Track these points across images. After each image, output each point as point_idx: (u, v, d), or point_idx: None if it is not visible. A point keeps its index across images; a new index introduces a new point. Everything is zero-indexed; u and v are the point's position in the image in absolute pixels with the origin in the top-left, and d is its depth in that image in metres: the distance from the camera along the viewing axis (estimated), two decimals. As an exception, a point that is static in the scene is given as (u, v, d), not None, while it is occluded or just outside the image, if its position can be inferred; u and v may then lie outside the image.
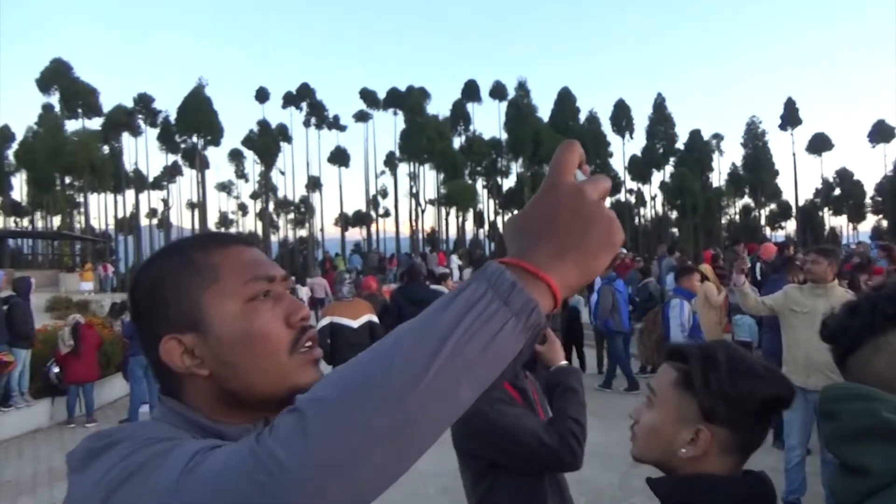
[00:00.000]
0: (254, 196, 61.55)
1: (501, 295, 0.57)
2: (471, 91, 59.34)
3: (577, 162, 0.65)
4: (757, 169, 58.74)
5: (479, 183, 58.80)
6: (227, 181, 62.87)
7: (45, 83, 49.98)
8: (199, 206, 55.52)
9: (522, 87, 56.80)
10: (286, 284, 0.87)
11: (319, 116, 60.82)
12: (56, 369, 8.54)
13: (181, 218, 63.90)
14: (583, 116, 58.51)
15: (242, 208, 64.07)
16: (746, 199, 62.58)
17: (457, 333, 0.56)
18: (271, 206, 61.12)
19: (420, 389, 0.55)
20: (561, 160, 0.64)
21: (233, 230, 64.82)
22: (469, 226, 60.43)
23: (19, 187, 57.14)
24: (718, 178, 62.33)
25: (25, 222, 58.19)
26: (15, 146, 53.58)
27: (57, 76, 49.71)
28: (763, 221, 62.61)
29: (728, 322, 8.44)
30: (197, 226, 56.21)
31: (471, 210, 57.67)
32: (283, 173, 62.19)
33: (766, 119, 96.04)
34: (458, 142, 58.65)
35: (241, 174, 61.81)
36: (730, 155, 64.70)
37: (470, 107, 59.54)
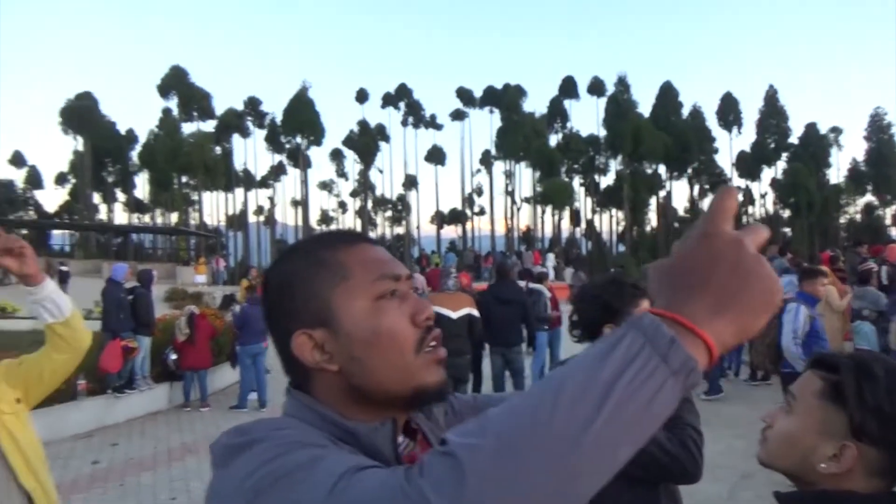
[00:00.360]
0: (353, 194, 63.41)
1: (660, 350, 0.54)
2: (568, 87, 58.38)
3: (734, 208, 0.60)
4: (881, 164, 54.26)
5: (576, 181, 57.80)
6: (329, 180, 65.05)
7: (164, 89, 53.66)
8: (302, 203, 57.84)
9: (622, 83, 55.31)
10: (410, 283, 0.87)
11: (417, 116, 61.78)
12: (174, 356, 9.13)
13: (285, 215, 67.02)
14: (686, 111, 56.26)
15: (342, 206, 66.11)
16: (869, 197, 57.98)
17: (618, 390, 0.53)
18: (370, 204, 62.78)
19: (582, 447, 0.52)
20: (718, 206, 0.60)
21: (333, 227, 67.12)
22: (565, 224, 59.58)
23: (142, 186, 61.74)
24: (837, 174, 58.19)
25: (147, 218, 62.74)
26: (138, 148, 57.91)
27: (175, 82, 53.25)
28: (888, 221, 57.80)
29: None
30: (300, 223, 58.59)
31: (567, 208, 56.81)
32: (381, 172, 63.73)
33: (893, 111, 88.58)
34: (554, 139, 57.93)
35: (341, 173, 63.81)
36: (850, 150, 60.31)
37: (567, 104, 58.62)
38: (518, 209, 59.41)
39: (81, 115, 52.96)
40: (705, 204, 35.67)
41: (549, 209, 56.39)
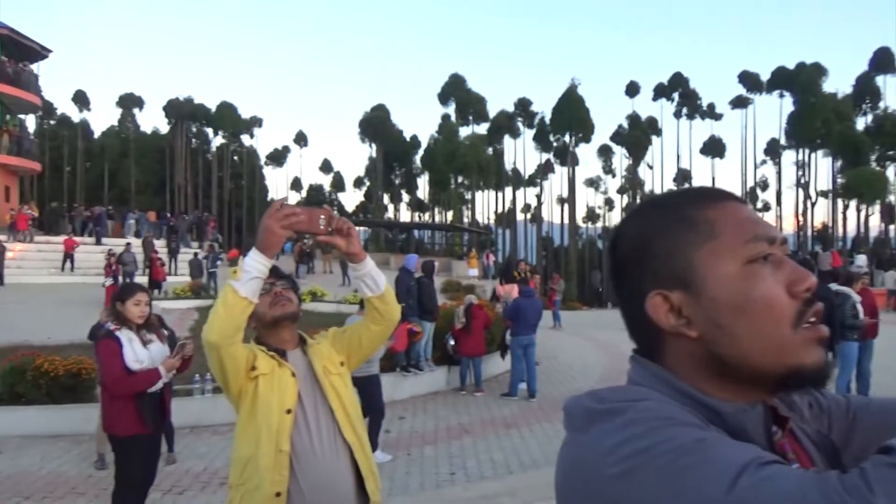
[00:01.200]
0: (621, 191, 61.86)
1: None
2: (882, 61, 49.64)
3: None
4: None
5: (892, 170, 48.99)
6: (595, 176, 64.43)
7: (444, 96, 58.10)
8: (568, 201, 58.12)
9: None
10: (786, 248, 0.74)
11: (692, 106, 58.03)
12: (452, 342, 9.76)
13: (552, 212, 67.94)
14: None
15: (609, 203, 64.93)
16: None
17: None
18: (638, 201, 60.71)
19: None
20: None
21: (598, 225, 66.28)
22: (874, 221, 50.92)
23: (423, 187, 67.69)
24: None
25: (426, 216, 68.60)
26: (420, 152, 63.59)
27: (454, 89, 57.32)
28: None
29: None
30: (566, 220, 58.92)
31: (877, 202, 48.43)
32: (650, 167, 61.19)
33: None
34: (862, 122, 49.83)
35: (608, 169, 62.72)
36: None
37: (880, 80, 49.97)
38: (813, 204, 52.47)
39: (376, 125, 59.84)
40: None
41: (852, 203, 48.76)
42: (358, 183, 69.73)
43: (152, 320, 4.20)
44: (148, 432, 3.97)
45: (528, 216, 64.22)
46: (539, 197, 63.17)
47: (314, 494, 1.98)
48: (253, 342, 2.16)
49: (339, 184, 70.66)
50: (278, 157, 67.48)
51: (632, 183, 59.49)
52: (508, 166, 61.56)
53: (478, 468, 6.43)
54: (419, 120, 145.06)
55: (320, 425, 2.07)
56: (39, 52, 33.94)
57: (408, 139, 63.80)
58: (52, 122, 55.31)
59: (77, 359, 7.83)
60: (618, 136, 58.61)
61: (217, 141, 61.03)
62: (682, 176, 59.54)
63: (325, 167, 70.33)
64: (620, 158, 61.10)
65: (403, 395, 9.18)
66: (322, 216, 1.89)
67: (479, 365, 9.80)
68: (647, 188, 61.80)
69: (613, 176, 63.07)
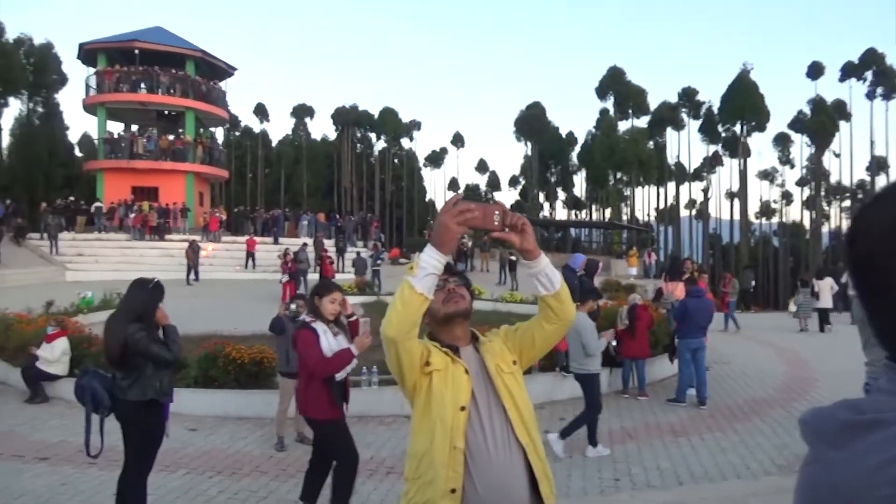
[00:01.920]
0: (800, 183, 56.55)
1: None
2: None
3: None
4: None
5: None
6: (770, 168, 59.51)
7: (602, 90, 56.49)
8: (739, 195, 54.08)
9: None
10: None
11: (888, 85, 51.56)
12: (614, 343, 9.38)
13: (719, 208, 63.58)
14: None
15: (786, 196, 59.61)
16: None
17: None
18: (823, 193, 54.98)
19: None
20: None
21: (774, 220, 60.99)
22: None
23: (579, 184, 66.36)
24: None
25: (583, 214, 67.18)
26: (577, 149, 62.38)
27: (612, 83, 55.56)
28: None
29: None
30: (736, 216, 54.89)
31: None
32: (837, 155, 55.20)
33: None
34: None
35: (785, 160, 57.56)
36: None
37: None
38: None
39: (531, 122, 59.62)
40: None
41: None
42: (513, 182, 69.96)
43: (340, 319, 4.56)
44: (340, 416, 4.33)
45: (693, 212, 60.68)
46: (706, 192, 59.46)
47: (488, 493, 1.94)
48: (426, 338, 2.15)
49: (494, 183, 71.33)
50: (436, 159, 69.49)
51: (814, 174, 54.02)
52: (671, 160, 58.55)
53: (644, 475, 6.10)
54: (576, 116, 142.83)
55: (493, 425, 2.02)
56: (227, 71, 37.65)
57: (564, 136, 62.89)
58: (236, 133, 61.14)
59: (259, 348, 8.51)
60: (798, 123, 53.53)
61: (379, 145, 64.09)
62: (878, 165, 53.07)
63: (481, 167, 71.32)
64: (801, 147, 55.82)
65: (563, 395, 8.96)
66: (496, 212, 1.86)
67: (643, 368, 9.34)
68: (832, 179, 55.90)
69: (792, 167, 57.83)
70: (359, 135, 62.98)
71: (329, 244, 28.29)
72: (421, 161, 68.04)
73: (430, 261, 1.87)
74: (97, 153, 34.21)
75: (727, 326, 16.33)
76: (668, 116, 55.49)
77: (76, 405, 8.50)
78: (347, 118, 60.90)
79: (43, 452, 6.63)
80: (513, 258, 25.73)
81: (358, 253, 25.24)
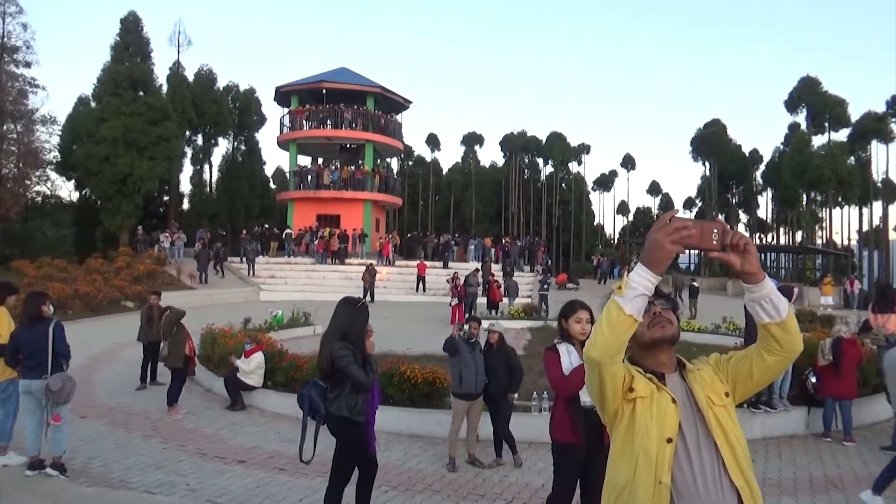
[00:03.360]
0: None
1: None
2: None
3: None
4: None
5: None
6: None
7: (792, 103, 51.83)
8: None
9: None
10: None
11: None
12: (814, 379, 8.41)
13: (939, 230, 55.18)
14: None
15: None
16: None
17: None
18: None
19: None
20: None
21: None
22: None
23: (764, 205, 61.23)
24: None
25: (769, 238, 61.75)
26: (762, 167, 57.69)
27: (805, 94, 50.76)
28: None
29: None
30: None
31: None
32: None
33: None
34: None
35: None
36: None
37: None
38: None
39: (710, 141, 56.22)
40: None
41: None
42: (688, 204, 66.25)
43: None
44: (579, 443, 4.22)
45: (905, 235, 53.34)
46: (921, 212, 52.02)
47: None
48: (627, 362, 2.00)
49: (667, 206, 68.07)
50: (605, 182, 67.87)
51: None
52: (877, 177, 52.10)
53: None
54: (760, 133, 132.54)
55: (703, 461, 1.82)
56: (402, 104, 39.85)
57: (746, 154, 58.58)
58: (410, 162, 64.23)
59: (432, 368, 8.71)
60: None
61: (547, 170, 63.95)
62: None
63: (653, 189, 68.49)
64: None
65: (754, 434, 8.17)
66: (715, 230, 1.71)
67: (849, 409, 8.23)
68: None
69: None
70: (526, 160, 63.36)
71: (496, 268, 28.57)
72: (589, 184, 66.86)
73: (642, 280, 1.73)
74: (288, 184, 37.67)
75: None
76: (873, 128, 49.32)
77: (269, 414, 9.30)
78: (515, 144, 61.55)
79: (240, 455, 7.26)
80: (695, 284, 24.17)
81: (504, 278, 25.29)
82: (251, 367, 9.45)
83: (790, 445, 8.14)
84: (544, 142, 61.54)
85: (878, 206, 52.84)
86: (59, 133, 38.94)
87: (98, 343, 14.98)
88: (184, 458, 7.12)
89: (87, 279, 23.17)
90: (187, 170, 47.00)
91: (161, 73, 38.25)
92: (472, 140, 65.09)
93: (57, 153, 39.14)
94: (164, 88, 37.97)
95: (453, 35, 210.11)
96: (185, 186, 47.74)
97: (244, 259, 29.63)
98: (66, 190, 79.07)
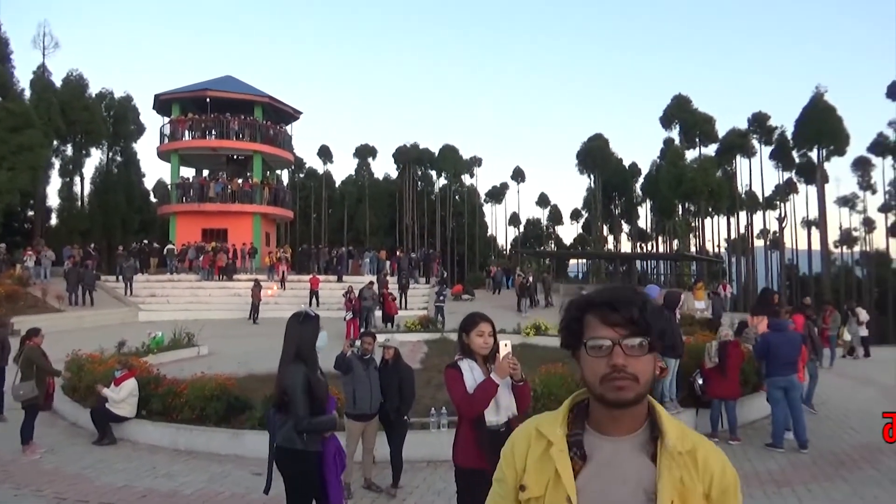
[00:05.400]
0: (883, 209, 53.46)
1: None
2: None
3: None
4: None
5: None
6: (850, 194, 56.58)
7: (667, 119, 55.28)
8: (819, 223, 51.53)
9: None
10: None
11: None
12: (700, 381, 8.68)
13: (795, 238, 60.71)
14: None
15: (868, 223, 56.43)
16: None
17: None
18: (907, 219, 51.82)
19: None
20: None
21: (857, 249, 57.77)
22: None
23: (644, 216, 64.75)
24: None
25: (648, 246, 65.37)
26: (640, 180, 61.03)
27: (678, 111, 54.31)
28: None
29: None
30: (815, 245, 52.28)
31: None
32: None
33: None
34: None
35: (866, 185, 54.66)
36: None
37: None
38: None
39: (594, 154, 58.82)
40: None
41: None
42: (575, 215, 68.96)
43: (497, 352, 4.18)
44: (485, 468, 3.86)
45: (767, 242, 58.13)
46: (780, 220, 56.93)
47: None
48: (566, 405, 1.46)
49: (556, 217, 70.50)
50: (497, 194, 69.32)
51: (898, 199, 51.07)
52: (741, 189, 56.47)
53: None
54: (639, 147, 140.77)
55: None
56: (292, 115, 38.76)
57: (627, 167, 61.77)
58: (301, 174, 62.72)
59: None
60: (878, 146, 50.85)
61: (440, 182, 64.45)
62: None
63: (542, 201, 70.70)
64: (883, 171, 52.91)
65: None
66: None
67: (734, 409, 8.56)
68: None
69: (874, 192, 54.80)
70: (420, 173, 63.58)
71: (392, 281, 28.22)
72: (482, 197, 68.00)
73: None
74: (170, 198, 35.56)
75: (832, 363, 15.26)
76: (737, 143, 53.62)
77: (143, 447, 8.44)
78: (409, 157, 61.64)
79: (108, 497, 6.47)
80: (583, 293, 24.96)
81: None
82: (122, 396, 8.55)
83: (681, 447, 8.32)
84: (437, 154, 62.04)
85: (742, 215, 57.30)
86: None
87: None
88: (38, 505, 6.26)
89: (-67, 303, 20.63)
90: (55, 182, 43.41)
91: (24, 78, 35.13)
92: (365, 152, 64.55)
93: None
94: (28, 94, 34.86)
95: (345, 46, 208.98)
96: (54, 200, 44.08)
97: (120, 277, 27.53)
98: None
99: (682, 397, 8.93)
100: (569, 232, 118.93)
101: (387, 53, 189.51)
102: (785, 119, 55.48)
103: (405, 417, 6.85)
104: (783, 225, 56.83)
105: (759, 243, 59.12)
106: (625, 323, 1.30)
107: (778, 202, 57.03)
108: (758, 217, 58.56)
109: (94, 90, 43.19)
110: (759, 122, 54.21)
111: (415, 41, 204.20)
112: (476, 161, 65.77)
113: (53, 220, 43.64)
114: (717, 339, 8.78)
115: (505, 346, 3.82)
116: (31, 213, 40.13)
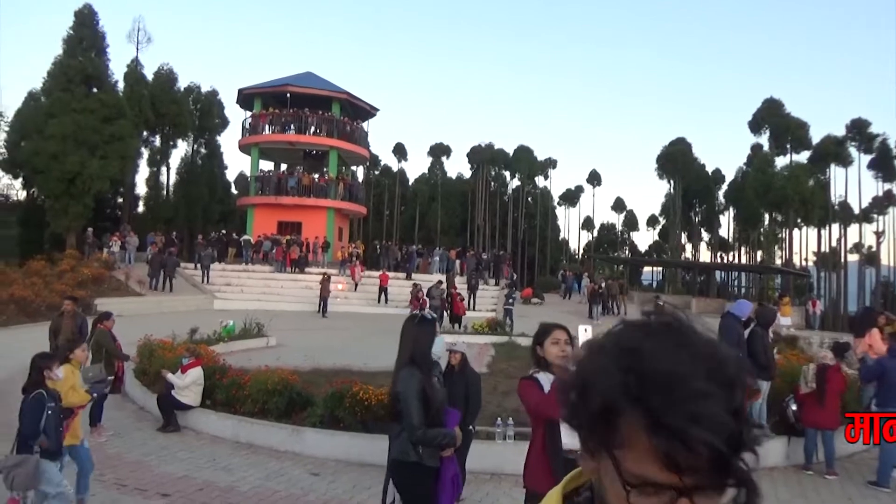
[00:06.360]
0: None
1: None
2: None
3: None
4: None
5: None
6: (958, 209, 52.28)
7: (756, 124, 52.55)
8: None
9: None
10: None
11: None
12: (794, 406, 7.90)
13: (892, 253, 56.67)
14: None
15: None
16: None
17: None
18: None
19: None
20: None
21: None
22: None
23: (726, 225, 61.94)
24: None
25: (729, 257, 62.47)
26: (724, 187, 58.37)
27: (768, 115, 51.50)
28: None
29: None
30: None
31: None
32: None
33: None
34: None
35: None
36: None
37: None
38: None
39: (675, 159, 56.65)
40: None
41: None
42: (652, 221, 66.77)
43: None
44: None
45: (861, 257, 54.51)
46: (878, 235, 53.19)
47: None
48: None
49: (631, 223, 68.51)
50: (571, 198, 67.97)
51: None
52: (834, 199, 53.11)
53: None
54: (724, 153, 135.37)
55: None
56: (369, 112, 39.04)
57: (710, 173, 59.25)
58: (376, 171, 63.34)
59: (388, 389, 7.92)
60: None
61: (513, 183, 63.73)
62: None
63: (618, 206, 68.85)
64: None
65: (731, 465, 7.59)
66: None
67: (832, 440, 7.73)
68: None
69: None
70: (493, 173, 63.03)
71: (460, 281, 27.91)
72: (555, 199, 66.83)
73: None
74: (249, 190, 36.48)
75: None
76: (832, 151, 50.27)
77: (206, 437, 8.39)
78: (482, 157, 61.19)
79: (165, 487, 6.39)
80: (660, 303, 23.91)
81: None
82: (186, 383, 8.55)
83: (771, 477, 7.58)
84: (511, 155, 61.35)
85: (835, 228, 53.86)
86: (7, 129, 37.15)
87: (27, 352, 13.78)
88: (98, 490, 6.21)
89: (26, 283, 21.74)
90: (143, 171, 45.41)
91: (118, 70, 36.80)
92: (439, 151, 64.55)
93: (3, 150, 37.31)
94: (121, 86, 36.50)
95: (423, 45, 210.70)
96: (141, 189, 46.10)
97: (198, 265, 28.37)
98: (14, 189, 75.97)
99: (772, 423, 8.16)
100: (644, 238, 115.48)
101: (464, 53, 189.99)
102: (888, 126, 51.62)
103: (470, 427, 6.46)
104: (880, 240, 53.14)
105: (851, 258, 55.54)
106: (703, 464, 0.70)
107: (875, 214, 53.30)
108: (852, 230, 55.02)
109: (182, 84, 44.85)
110: (859, 129, 50.64)
111: (493, 41, 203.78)
112: (551, 163, 64.68)
113: (140, 208, 45.64)
114: (815, 361, 7.96)
115: (585, 332, 3.36)
116: (119, 200, 42.03)
